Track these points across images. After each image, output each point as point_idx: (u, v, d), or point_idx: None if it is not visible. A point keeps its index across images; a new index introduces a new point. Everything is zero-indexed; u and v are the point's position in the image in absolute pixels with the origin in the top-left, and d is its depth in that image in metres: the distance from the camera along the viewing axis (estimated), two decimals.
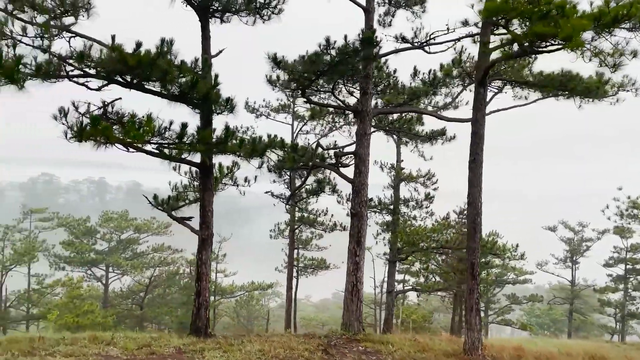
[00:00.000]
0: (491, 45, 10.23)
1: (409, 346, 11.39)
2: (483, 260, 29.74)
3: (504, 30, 9.64)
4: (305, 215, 24.62)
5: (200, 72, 9.50)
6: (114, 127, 8.51)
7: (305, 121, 24.21)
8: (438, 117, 13.85)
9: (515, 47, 9.33)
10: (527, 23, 7.56)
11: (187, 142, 8.50)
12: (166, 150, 10.02)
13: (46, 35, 8.41)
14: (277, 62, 10.32)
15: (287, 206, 26.39)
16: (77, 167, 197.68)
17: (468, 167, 10.53)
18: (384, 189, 24.35)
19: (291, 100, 25.55)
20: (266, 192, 23.94)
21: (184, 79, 9.09)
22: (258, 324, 52.52)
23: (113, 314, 33.12)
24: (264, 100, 26.75)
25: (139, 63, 8.17)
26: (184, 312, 35.18)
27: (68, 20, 9.60)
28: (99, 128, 7.71)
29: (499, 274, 39.94)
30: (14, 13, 8.75)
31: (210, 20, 10.92)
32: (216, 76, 9.18)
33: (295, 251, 28.65)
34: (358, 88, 14.24)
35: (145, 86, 9.61)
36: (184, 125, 8.67)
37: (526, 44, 7.77)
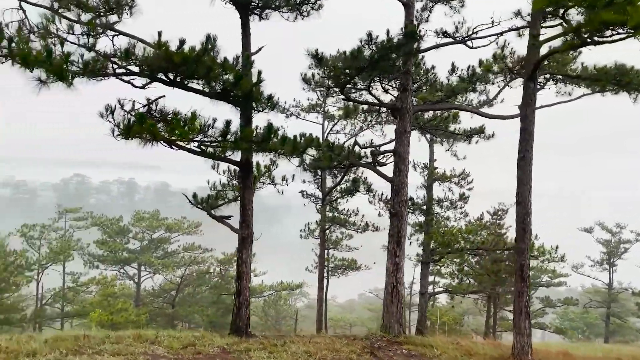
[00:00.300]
0: (541, 38, 9.82)
1: (453, 349, 11.05)
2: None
3: (555, 22, 9.23)
4: (337, 215, 24.37)
5: (241, 70, 9.39)
6: (158, 124, 8.45)
7: (336, 120, 23.98)
8: (480, 114, 13.45)
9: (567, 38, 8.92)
10: (587, 12, 7.18)
11: (230, 139, 8.37)
12: (209, 149, 9.98)
13: (92, 33, 8.41)
14: (318, 58, 10.14)
15: (318, 206, 26.24)
16: (107, 168, 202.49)
17: (517, 165, 10.13)
18: (417, 188, 23.93)
19: (322, 99, 25.40)
20: (300, 192, 23.85)
21: (226, 77, 8.98)
22: (286, 323, 52.56)
23: (145, 312, 33.57)
24: (294, 100, 26.70)
25: (184, 60, 8.09)
26: (214, 311, 35.45)
27: (111, 18, 9.64)
28: (146, 126, 7.65)
29: (533, 276, 38.93)
30: (59, 11, 8.80)
31: (249, 17, 10.82)
32: (259, 73, 9.05)
33: (326, 251, 28.47)
34: (393, 85, 13.99)
35: (188, 84, 9.59)
36: (228, 123, 8.56)
37: (586, 34, 7.37)
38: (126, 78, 8.67)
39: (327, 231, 27.96)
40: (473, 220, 26.24)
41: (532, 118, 10.09)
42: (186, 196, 12.06)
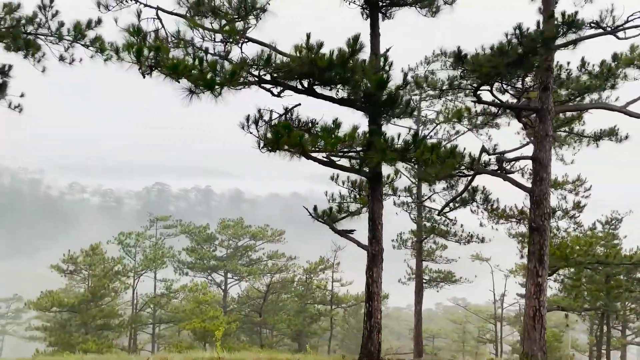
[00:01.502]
0: None
1: None
2: (632, 276, 26.13)
3: None
4: (436, 225, 23.00)
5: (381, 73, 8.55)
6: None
7: (437, 124, 22.72)
8: (630, 114, 11.75)
9: None
10: None
11: (379, 149, 7.53)
12: (337, 159, 9.25)
13: (231, 40, 7.93)
14: (459, 57, 9.10)
15: (412, 215, 25.04)
16: (185, 176, 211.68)
17: None
18: (525, 197, 22.00)
19: (416, 102, 24.28)
20: (399, 205, 22.88)
21: (366, 80, 8.18)
22: None
23: (236, 319, 33.84)
24: None
25: (329, 65, 7.36)
26: (300, 320, 35.08)
27: (239, 25, 9.19)
28: (293, 137, 6.99)
29: None
30: (194, 19, 8.43)
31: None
32: (405, 75, 8.17)
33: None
34: (513, 84, 12.63)
35: (317, 90, 8.94)
36: (372, 132, 7.73)
37: None
38: (266, 86, 8.11)
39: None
40: (585, 230, 23.93)
41: None
42: (306, 209, 11.42)
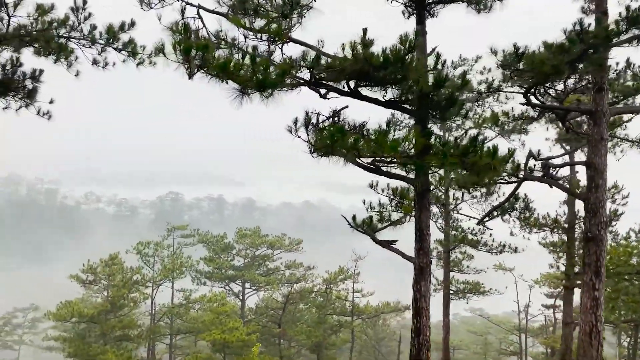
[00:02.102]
0: None
1: None
2: None
3: None
4: (466, 235, 22.25)
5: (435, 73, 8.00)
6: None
7: (464, 130, 22.03)
8: None
9: None
10: None
11: (439, 153, 6.96)
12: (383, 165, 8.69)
13: (276, 40, 7.45)
14: (518, 54, 8.52)
15: (439, 224, 24.35)
16: (198, 185, 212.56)
17: None
18: (560, 204, 21.24)
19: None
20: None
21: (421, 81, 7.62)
22: (385, 345, 50.39)
23: (255, 330, 33.25)
24: None
25: (385, 62, 6.83)
26: (320, 332, 34.34)
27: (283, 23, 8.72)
28: (347, 140, 6.45)
29: None
30: (237, 18, 7.98)
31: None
32: (464, 73, 7.61)
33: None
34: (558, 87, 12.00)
35: (362, 92, 8.42)
36: (429, 134, 7.15)
37: None
38: (312, 88, 7.60)
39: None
40: (619, 240, 23.01)
41: None
42: (345, 218, 10.84)
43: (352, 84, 8.12)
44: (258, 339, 33.05)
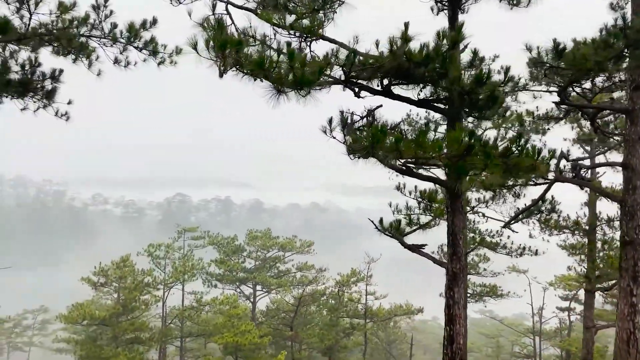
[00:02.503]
0: None
1: None
2: None
3: None
4: (484, 237, 21.81)
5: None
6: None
7: (483, 130, 21.62)
8: None
9: None
10: None
11: (482, 154, 6.61)
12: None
13: (308, 36, 7.14)
14: (558, 50, 8.14)
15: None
16: (205, 187, 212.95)
17: None
18: (582, 206, 20.79)
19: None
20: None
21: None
22: (396, 347, 49.86)
23: (268, 333, 32.95)
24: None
25: (425, 58, 6.50)
26: (333, 334, 33.96)
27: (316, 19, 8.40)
28: (390, 141, 6.12)
29: None
30: (268, 13, 7.67)
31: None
32: (507, 69, 7.26)
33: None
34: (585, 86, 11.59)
35: (394, 91, 8.10)
36: (472, 134, 6.80)
37: None
38: (346, 87, 7.28)
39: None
40: None
41: None
42: (372, 221, 10.50)
43: (385, 81, 7.82)
44: (270, 342, 32.76)
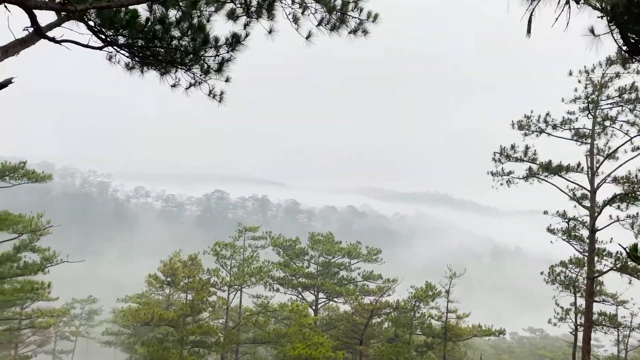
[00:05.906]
0: None
1: None
2: None
3: None
4: (626, 261, 18.97)
5: None
6: None
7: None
8: None
9: None
10: None
11: None
12: None
13: None
14: None
15: (576, 245, 21.25)
16: (243, 185, 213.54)
17: None
18: None
19: (591, 107, 20.75)
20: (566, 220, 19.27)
21: None
22: None
23: (338, 346, 30.78)
24: (540, 114, 22.49)
25: None
26: (410, 352, 31.42)
27: None
28: None
29: None
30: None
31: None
32: None
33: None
34: None
35: None
36: None
37: None
38: None
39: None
40: None
41: None
42: (624, 248, 8.09)
43: None
44: (344, 357, 30.52)
